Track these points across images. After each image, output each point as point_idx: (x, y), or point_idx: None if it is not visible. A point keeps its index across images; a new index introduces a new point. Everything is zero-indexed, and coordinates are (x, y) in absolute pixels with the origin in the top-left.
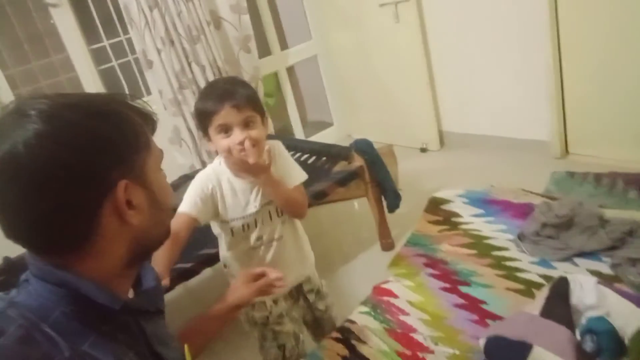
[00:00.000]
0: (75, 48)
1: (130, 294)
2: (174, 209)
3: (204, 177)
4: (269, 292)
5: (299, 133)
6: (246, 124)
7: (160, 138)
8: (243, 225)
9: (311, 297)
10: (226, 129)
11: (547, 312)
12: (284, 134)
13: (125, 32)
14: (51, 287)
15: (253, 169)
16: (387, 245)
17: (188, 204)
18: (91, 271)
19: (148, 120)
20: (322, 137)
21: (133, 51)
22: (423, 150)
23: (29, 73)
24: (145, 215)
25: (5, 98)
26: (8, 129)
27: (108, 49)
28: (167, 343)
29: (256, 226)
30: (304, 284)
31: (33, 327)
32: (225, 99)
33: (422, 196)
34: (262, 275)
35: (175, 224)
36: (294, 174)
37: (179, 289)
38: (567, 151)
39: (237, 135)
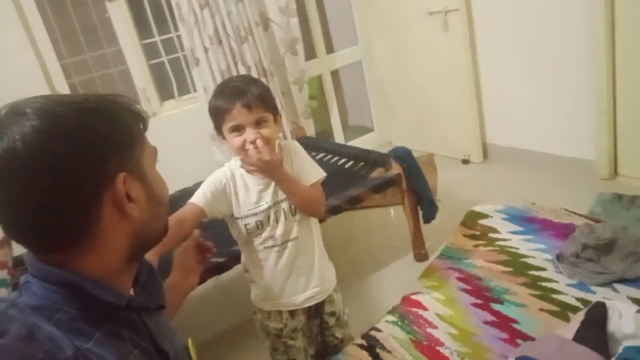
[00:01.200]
0: (128, 42)
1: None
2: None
3: (218, 173)
4: (206, 258)
5: (339, 137)
6: (258, 123)
7: (202, 134)
8: (257, 223)
9: (331, 321)
10: (238, 128)
11: (581, 337)
12: (323, 137)
13: (177, 29)
14: (53, 287)
15: (266, 167)
16: (421, 256)
17: (198, 196)
18: (92, 268)
19: (139, 117)
20: (362, 142)
21: (182, 48)
22: (465, 161)
23: (82, 64)
24: (144, 208)
25: (59, 86)
26: (5, 127)
27: (159, 44)
28: (171, 338)
29: (269, 224)
30: (325, 305)
31: (36, 326)
32: (237, 98)
33: (460, 208)
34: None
35: (183, 212)
36: (311, 172)
37: (211, 282)
38: (615, 172)
39: (249, 134)
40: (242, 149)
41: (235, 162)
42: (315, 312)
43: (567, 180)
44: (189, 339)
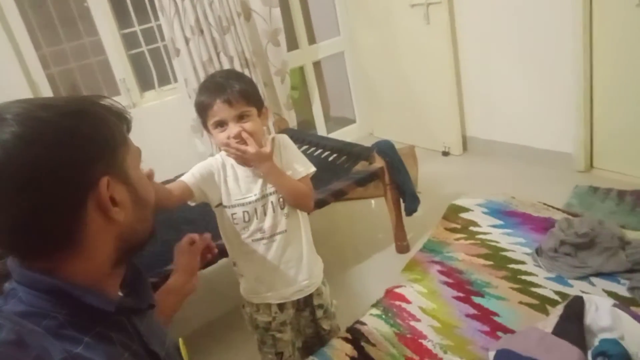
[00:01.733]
0: (107, 31)
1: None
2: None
3: (210, 159)
4: (206, 259)
5: (321, 128)
6: (240, 118)
7: (183, 125)
8: (244, 214)
9: (319, 313)
10: (221, 124)
11: (560, 330)
12: (305, 128)
13: (157, 18)
14: (39, 294)
15: (253, 159)
16: (403, 248)
17: (187, 176)
18: (79, 273)
19: (122, 119)
20: (344, 133)
21: (163, 38)
22: (445, 153)
23: (60, 54)
24: (129, 211)
25: (37, 77)
26: None
27: (139, 34)
28: (161, 338)
29: (257, 216)
30: (314, 297)
31: (24, 331)
32: (218, 94)
33: (441, 200)
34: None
35: (172, 185)
36: (300, 166)
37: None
38: (591, 165)
39: (232, 129)
40: (225, 145)
41: (224, 154)
42: (304, 304)
43: (544, 172)
44: (180, 339)
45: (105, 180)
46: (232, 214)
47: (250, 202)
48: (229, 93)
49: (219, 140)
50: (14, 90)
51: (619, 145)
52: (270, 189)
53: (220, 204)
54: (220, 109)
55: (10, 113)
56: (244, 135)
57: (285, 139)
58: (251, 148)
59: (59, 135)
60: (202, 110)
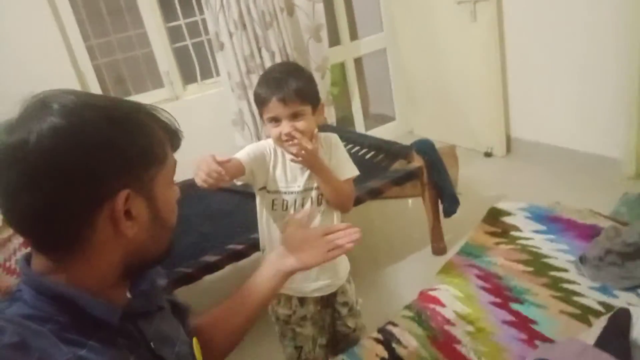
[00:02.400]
0: (153, 24)
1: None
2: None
3: (263, 142)
4: (333, 255)
5: (359, 124)
6: (294, 116)
7: (224, 119)
8: (284, 202)
9: (343, 311)
10: (275, 120)
11: (603, 343)
12: (344, 125)
13: (202, 12)
14: (44, 299)
15: (303, 157)
16: (439, 250)
17: (241, 154)
18: (84, 278)
19: (172, 136)
20: (383, 130)
21: (207, 32)
22: (487, 154)
23: (107, 45)
24: (144, 228)
25: (84, 67)
26: (28, 118)
27: (183, 27)
28: (172, 341)
29: (295, 207)
30: (338, 295)
31: (27, 333)
32: (274, 91)
33: (482, 203)
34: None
35: (233, 159)
36: (347, 168)
37: (229, 268)
38: None
39: (284, 127)
40: (278, 140)
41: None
42: (327, 302)
43: (591, 178)
44: (194, 339)
45: (124, 194)
46: (273, 200)
47: (292, 192)
48: (285, 91)
49: (272, 135)
50: (62, 79)
51: None
52: (314, 183)
53: (264, 188)
54: (275, 106)
55: (57, 103)
56: (295, 135)
57: (336, 138)
58: (308, 145)
59: (95, 139)
60: (259, 103)
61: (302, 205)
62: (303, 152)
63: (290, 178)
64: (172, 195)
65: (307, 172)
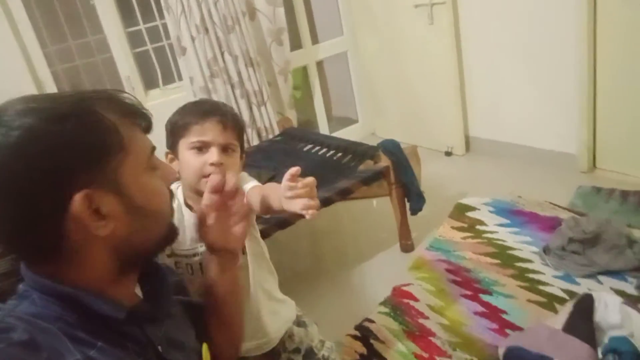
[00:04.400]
0: (112, 30)
1: (138, 291)
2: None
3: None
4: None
5: (323, 127)
6: (225, 150)
7: None
8: (187, 266)
9: (297, 358)
10: (203, 147)
11: (570, 327)
12: (307, 128)
13: (162, 17)
14: (51, 299)
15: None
16: (407, 247)
17: None
18: (81, 279)
19: (138, 119)
20: (347, 133)
21: (168, 36)
22: (448, 154)
23: (66, 51)
24: (124, 223)
25: (42, 74)
26: None
27: (144, 32)
28: (182, 345)
29: (201, 272)
30: (286, 342)
31: (37, 332)
32: (213, 113)
33: (444, 200)
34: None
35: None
36: (250, 182)
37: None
38: (594, 166)
39: (214, 155)
40: (197, 173)
41: (176, 189)
42: (274, 354)
43: (547, 172)
44: (204, 344)
45: (80, 197)
46: (176, 263)
47: (197, 255)
48: (226, 116)
49: (192, 164)
50: (19, 86)
51: (622, 146)
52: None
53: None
54: (210, 129)
55: (6, 115)
56: (221, 171)
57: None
58: (231, 182)
59: (37, 148)
60: (184, 127)
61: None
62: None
63: (191, 238)
64: (151, 181)
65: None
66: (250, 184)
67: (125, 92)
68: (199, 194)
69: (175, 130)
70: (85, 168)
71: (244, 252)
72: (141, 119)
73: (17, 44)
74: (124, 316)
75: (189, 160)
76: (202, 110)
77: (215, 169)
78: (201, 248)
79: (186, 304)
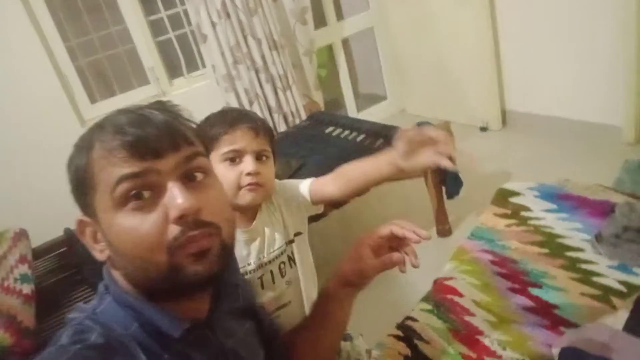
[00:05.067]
0: (133, 19)
1: None
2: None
3: None
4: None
5: (350, 106)
6: (259, 157)
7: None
8: (271, 273)
9: None
10: (237, 156)
11: (632, 327)
12: (334, 107)
13: (183, 3)
14: (121, 307)
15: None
16: (444, 232)
17: None
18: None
19: (130, 149)
20: (375, 110)
21: (190, 22)
22: (483, 129)
23: (88, 44)
24: (115, 253)
25: (65, 70)
26: None
27: (165, 20)
28: (256, 354)
29: (262, 288)
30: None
31: (112, 337)
32: (242, 120)
33: (482, 180)
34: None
35: None
36: (302, 184)
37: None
38: None
39: (249, 164)
40: (235, 184)
41: None
42: None
43: (590, 146)
44: None
45: (76, 220)
46: (262, 277)
47: (246, 274)
48: (257, 122)
49: (228, 177)
50: (43, 84)
51: None
52: (270, 256)
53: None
54: (241, 137)
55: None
56: (258, 180)
57: (282, 183)
58: (257, 197)
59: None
60: (213, 138)
61: (262, 286)
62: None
63: (246, 252)
64: (119, 220)
65: (257, 240)
66: (306, 182)
67: (141, 114)
68: (237, 208)
69: (208, 142)
70: (75, 194)
71: (293, 264)
72: (132, 150)
73: (39, 39)
74: (178, 335)
75: (223, 173)
76: (229, 119)
77: (252, 178)
78: (249, 266)
79: (258, 324)
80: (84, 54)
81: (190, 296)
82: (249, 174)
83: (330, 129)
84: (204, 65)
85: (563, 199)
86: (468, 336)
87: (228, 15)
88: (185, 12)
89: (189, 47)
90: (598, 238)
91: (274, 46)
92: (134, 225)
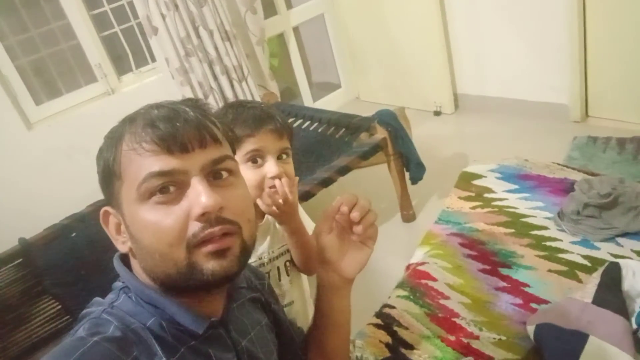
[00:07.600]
0: (76, 14)
1: None
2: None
3: None
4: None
5: (306, 95)
6: (280, 156)
7: None
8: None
9: None
10: (258, 157)
11: (600, 299)
12: (289, 97)
13: None
14: (142, 301)
15: (283, 214)
16: (409, 217)
17: None
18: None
19: (161, 144)
20: (330, 99)
21: (136, 16)
22: (437, 113)
23: (28, 42)
24: (135, 246)
25: (5, 69)
26: None
27: (109, 14)
28: (269, 351)
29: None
30: None
31: (129, 331)
32: (266, 122)
33: (439, 162)
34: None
35: None
36: (307, 218)
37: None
38: (587, 114)
39: (272, 166)
40: (258, 186)
41: None
42: None
43: (539, 125)
44: None
45: (102, 210)
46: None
47: (262, 266)
48: (277, 121)
49: (251, 180)
50: None
51: (615, 93)
52: (277, 251)
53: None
54: (265, 139)
55: None
56: (284, 182)
57: None
58: (293, 196)
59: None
60: (235, 140)
61: (287, 270)
62: (282, 203)
63: (277, 237)
64: (142, 213)
65: (267, 240)
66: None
67: (185, 110)
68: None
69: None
70: (102, 185)
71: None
72: (164, 144)
73: None
74: (201, 331)
75: (245, 174)
76: (251, 118)
77: (277, 180)
78: (262, 260)
79: (272, 321)
80: (25, 53)
81: (207, 293)
82: (273, 177)
83: (291, 120)
84: (153, 59)
85: (523, 179)
86: (445, 319)
87: (177, 7)
88: (131, 5)
89: (136, 41)
90: (560, 215)
91: (226, 37)
92: (156, 220)
